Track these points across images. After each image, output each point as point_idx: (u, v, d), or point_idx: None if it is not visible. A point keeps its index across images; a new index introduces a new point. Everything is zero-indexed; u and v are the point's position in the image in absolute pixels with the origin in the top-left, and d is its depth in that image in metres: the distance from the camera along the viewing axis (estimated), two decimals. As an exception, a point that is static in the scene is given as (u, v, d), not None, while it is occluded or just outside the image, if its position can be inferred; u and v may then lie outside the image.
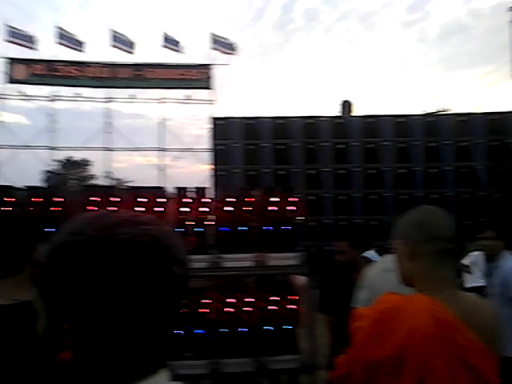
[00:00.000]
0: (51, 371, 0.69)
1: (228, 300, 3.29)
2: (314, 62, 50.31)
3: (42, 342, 0.68)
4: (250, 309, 3.28)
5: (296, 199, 3.51)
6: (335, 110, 14.08)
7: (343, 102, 13.56)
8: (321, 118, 11.73)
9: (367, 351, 1.27)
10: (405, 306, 1.30)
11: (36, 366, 1.24)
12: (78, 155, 24.57)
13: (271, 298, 3.23)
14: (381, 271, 2.81)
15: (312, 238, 9.37)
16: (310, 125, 11.61)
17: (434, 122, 11.80)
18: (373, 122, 11.57)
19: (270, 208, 3.40)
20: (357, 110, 13.51)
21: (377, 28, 46.65)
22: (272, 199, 3.43)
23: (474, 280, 4.74)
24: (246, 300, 3.32)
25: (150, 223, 0.67)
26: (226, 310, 3.26)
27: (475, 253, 5.24)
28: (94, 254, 0.61)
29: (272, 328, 3.21)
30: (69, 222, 0.69)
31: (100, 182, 17.56)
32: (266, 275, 3.29)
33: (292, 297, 3.24)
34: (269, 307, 3.22)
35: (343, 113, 13.17)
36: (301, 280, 3.67)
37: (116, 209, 2.92)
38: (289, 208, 3.43)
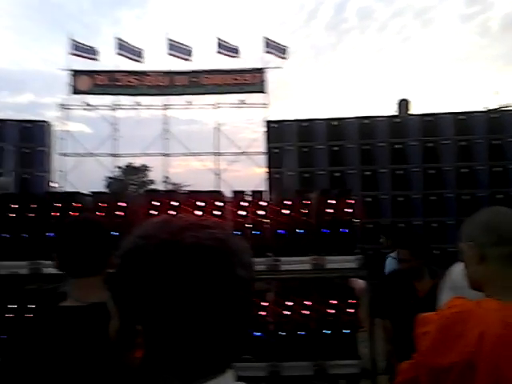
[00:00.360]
0: (123, 370, 0.72)
1: (287, 303, 3.30)
2: (369, 61, 49.41)
3: (115, 342, 0.71)
4: (309, 312, 3.27)
5: (353, 201, 3.47)
6: (392, 110, 13.75)
7: (400, 100, 13.21)
8: (377, 118, 11.49)
9: (434, 357, 1.23)
10: (473, 311, 1.25)
11: (109, 365, 1.30)
12: (137, 161, 25.40)
13: (330, 302, 3.21)
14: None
15: (369, 241, 9.17)
16: (366, 125, 11.39)
17: (497, 119, 11.23)
18: (432, 121, 11.18)
19: (326, 210, 3.38)
20: (415, 109, 13.12)
21: (434, 23, 45.08)
22: (329, 201, 3.40)
23: None
24: (305, 303, 3.30)
25: (215, 227, 0.69)
26: (284, 313, 3.26)
27: None
28: (165, 257, 0.64)
29: (331, 332, 3.18)
30: (139, 227, 0.72)
31: (158, 186, 18.09)
32: (324, 278, 3.27)
33: (351, 300, 3.20)
34: (327, 311, 3.20)
35: (400, 112, 12.82)
36: (359, 283, 3.61)
37: (178, 213, 3.00)
38: (346, 210, 3.39)
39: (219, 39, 16.23)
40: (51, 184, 12.72)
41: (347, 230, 3.33)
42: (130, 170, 28.76)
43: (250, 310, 0.70)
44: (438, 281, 2.61)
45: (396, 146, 11.07)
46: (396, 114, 12.70)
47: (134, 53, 16.19)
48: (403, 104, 12.93)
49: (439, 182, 10.73)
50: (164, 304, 0.63)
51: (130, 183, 29.59)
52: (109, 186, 24.74)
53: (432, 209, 10.48)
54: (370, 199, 10.64)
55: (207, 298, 0.63)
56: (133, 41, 16.44)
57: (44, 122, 12.19)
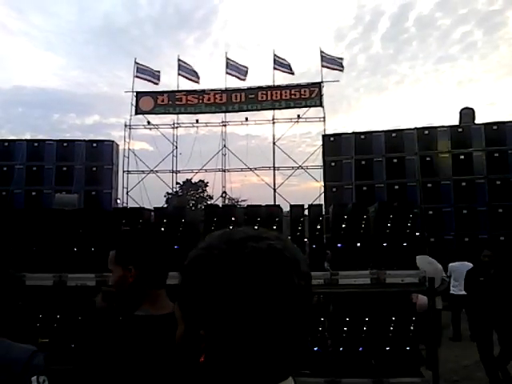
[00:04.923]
0: (187, 374, 0.77)
1: (346, 318, 3.26)
2: (429, 71, 47.93)
3: (180, 347, 0.77)
4: (369, 328, 3.21)
5: (414, 214, 3.40)
6: (454, 120, 13.26)
7: (462, 109, 12.72)
8: (438, 129, 11.16)
9: None
10: None
11: (176, 376, 1.34)
12: (196, 177, 26.00)
13: (390, 318, 3.14)
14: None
15: (433, 256, 8.86)
16: (426, 136, 11.10)
17: None
18: (497, 130, 10.72)
19: (386, 224, 3.33)
20: (479, 119, 12.59)
21: (499, 30, 42.99)
22: (388, 214, 3.35)
23: None
24: (364, 319, 3.25)
25: (274, 238, 0.74)
26: (344, 328, 3.23)
27: None
28: (225, 266, 0.69)
29: (391, 348, 3.11)
30: (203, 239, 0.78)
31: (216, 201, 18.41)
32: (384, 293, 3.21)
33: (413, 317, 3.12)
34: (388, 327, 3.13)
35: (463, 121, 12.33)
36: (421, 299, 3.52)
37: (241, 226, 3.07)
38: (406, 223, 3.32)
39: (275, 56, 16.47)
40: (116, 200, 13.32)
41: (408, 244, 3.27)
42: (188, 185, 29.43)
43: (308, 318, 0.74)
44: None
45: (459, 157, 10.69)
46: (458, 124, 12.25)
47: (193, 73, 16.79)
48: (467, 113, 12.40)
49: (507, 193, 10.21)
50: (224, 309, 0.68)
51: (189, 198, 30.27)
52: (168, 201, 25.45)
53: (499, 222, 9.97)
54: (431, 212, 10.31)
55: (265, 305, 0.67)
56: (192, 61, 17.05)
57: (110, 141, 12.83)
